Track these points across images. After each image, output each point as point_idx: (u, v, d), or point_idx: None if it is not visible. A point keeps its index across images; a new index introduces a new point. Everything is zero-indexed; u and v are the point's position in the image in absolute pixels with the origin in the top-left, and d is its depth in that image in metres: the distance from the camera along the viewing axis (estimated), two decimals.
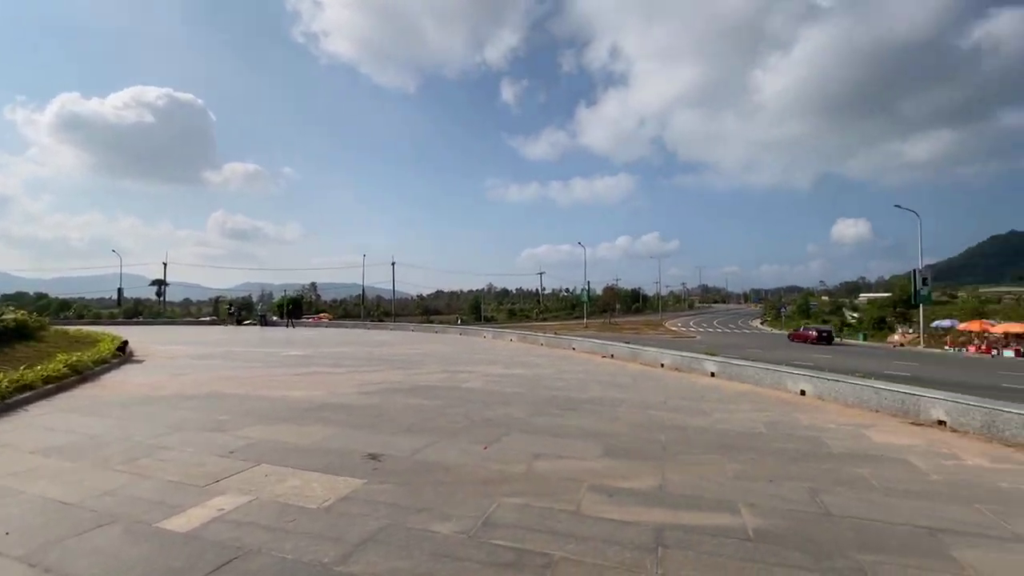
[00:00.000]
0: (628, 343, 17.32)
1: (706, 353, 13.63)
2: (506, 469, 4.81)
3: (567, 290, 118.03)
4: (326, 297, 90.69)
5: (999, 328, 30.15)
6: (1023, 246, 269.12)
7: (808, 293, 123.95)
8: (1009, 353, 26.60)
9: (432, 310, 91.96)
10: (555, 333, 22.83)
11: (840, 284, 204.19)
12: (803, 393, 9.64)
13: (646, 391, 9.61)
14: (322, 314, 57.23)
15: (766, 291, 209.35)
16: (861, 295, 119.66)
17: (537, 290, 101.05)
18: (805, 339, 36.18)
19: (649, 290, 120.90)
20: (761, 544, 3.46)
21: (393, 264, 56.03)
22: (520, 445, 5.67)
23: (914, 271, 34.41)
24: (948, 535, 3.69)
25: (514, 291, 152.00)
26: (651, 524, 3.68)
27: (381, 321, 48.21)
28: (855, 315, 53.93)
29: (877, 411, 8.14)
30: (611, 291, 73.69)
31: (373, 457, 4.98)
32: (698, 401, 8.74)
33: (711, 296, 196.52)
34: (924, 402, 7.57)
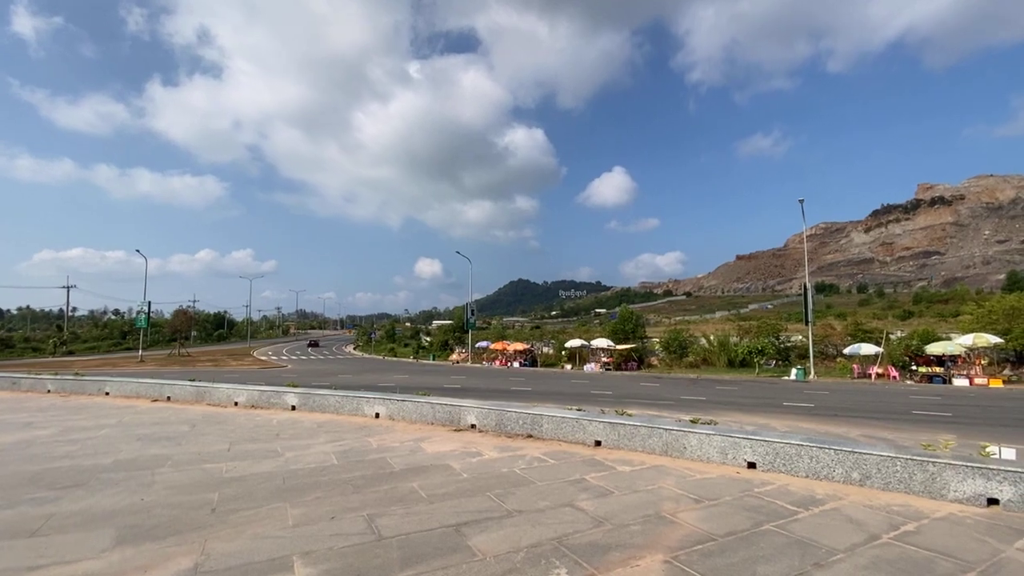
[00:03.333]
0: (194, 380, 14.83)
1: (289, 385, 12.95)
2: None
3: (117, 312, 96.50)
4: None
5: (511, 347, 40.25)
6: (527, 289, 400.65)
7: (395, 320, 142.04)
8: (516, 364, 36.89)
9: None
10: (77, 373, 16.84)
11: (420, 312, 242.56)
12: (377, 416, 10.15)
13: (208, 439, 8.42)
14: None
15: (360, 317, 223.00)
16: (434, 322, 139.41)
17: (62, 310, 76.29)
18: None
19: (238, 314, 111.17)
20: None
21: None
22: None
23: (467, 304, 42.95)
24: (468, 527, 4.32)
25: (14, 311, 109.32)
26: None
27: None
28: (428, 339, 63.25)
29: (432, 424, 9.32)
30: (184, 314, 62.49)
31: None
32: (271, 441, 8.21)
33: (309, 322, 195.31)
34: (463, 411, 9.11)
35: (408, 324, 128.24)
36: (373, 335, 70.16)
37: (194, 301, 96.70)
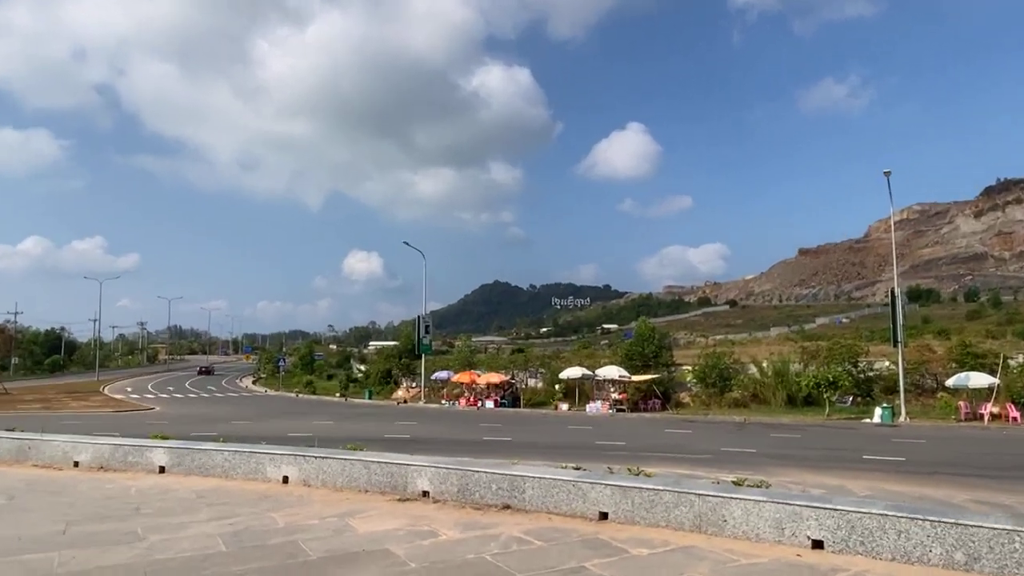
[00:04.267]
0: (13, 430, 14.33)
1: (157, 437, 12.70)
2: None
3: None
4: None
5: (483, 379, 40.00)
6: (506, 296, 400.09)
7: (314, 340, 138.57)
8: (490, 404, 36.42)
9: None
10: None
11: (351, 329, 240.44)
12: (286, 480, 10.13)
13: (32, 518, 8.07)
14: None
15: (264, 337, 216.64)
16: (372, 343, 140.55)
17: None
18: None
19: (82, 333, 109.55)
20: None
21: None
22: None
23: (419, 318, 43.61)
24: None
25: None
26: None
27: None
28: (362, 368, 63.48)
29: (367, 491, 9.30)
30: (1, 334, 61.20)
31: None
32: (128, 519, 7.97)
33: (188, 343, 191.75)
34: (411, 472, 9.05)
35: (334, 347, 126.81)
36: (282, 362, 70.65)
37: (15, 314, 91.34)
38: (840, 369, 29.66)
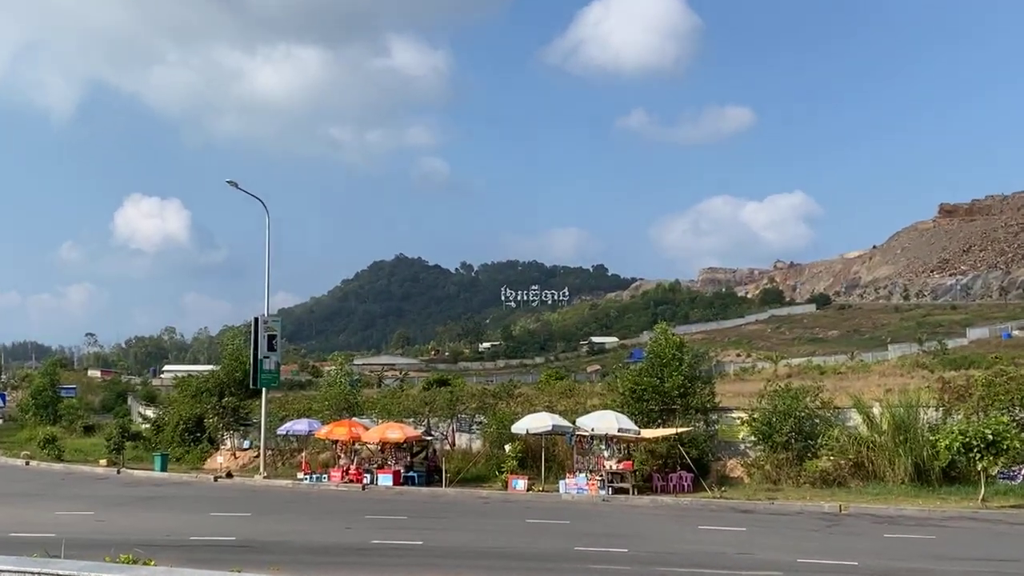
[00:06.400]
0: None
1: None
2: None
3: None
4: None
5: (374, 434, 41.19)
6: (417, 284, 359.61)
7: (59, 361, 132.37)
8: (386, 479, 37.65)
9: None
10: None
11: (129, 342, 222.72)
12: None
13: None
14: None
15: None
16: (168, 367, 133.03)
17: None
18: None
19: None
20: None
21: None
22: None
23: (255, 320, 40.47)
24: None
25: None
26: None
27: None
28: (151, 413, 59.72)
29: None
30: None
31: None
32: None
33: None
34: None
35: (98, 373, 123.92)
36: (2, 401, 68.52)
37: None
38: (1007, 420, 28.28)
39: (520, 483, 34.04)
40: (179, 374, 73.44)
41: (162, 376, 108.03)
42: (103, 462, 47.29)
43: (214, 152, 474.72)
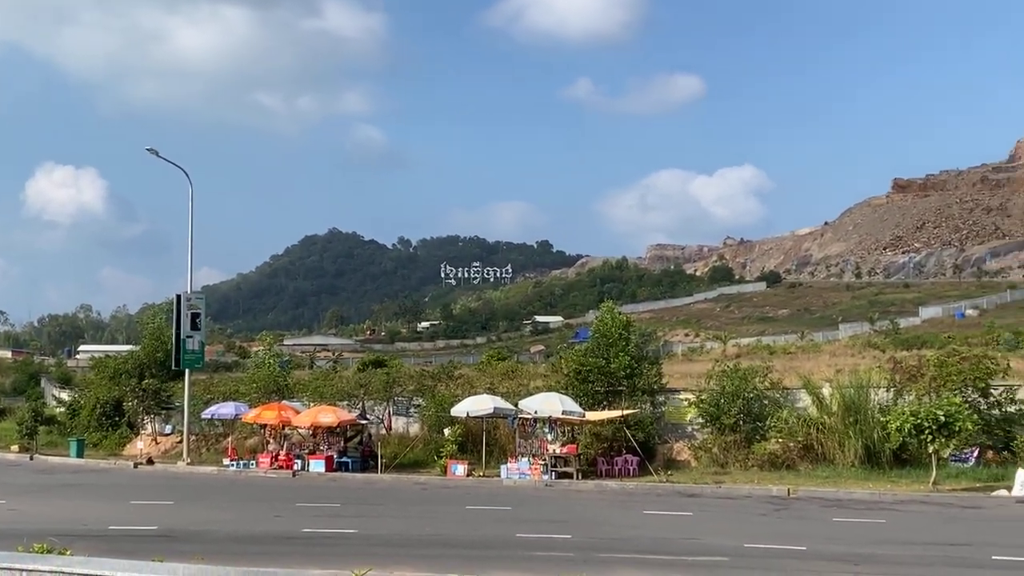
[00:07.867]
0: None
1: None
2: None
3: None
4: None
5: (305, 418, 40.09)
6: (352, 260, 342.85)
7: None
8: (318, 464, 38.14)
9: None
10: None
11: (41, 320, 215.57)
12: None
13: None
14: None
15: None
16: (84, 347, 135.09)
17: None
18: None
19: None
20: None
21: None
22: None
23: (178, 297, 39.31)
24: None
25: None
26: None
27: None
28: (66, 396, 61.41)
29: None
30: None
31: None
32: None
33: None
34: None
35: (8, 354, 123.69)
36: None
37: None
38: (959, 401, 28.31)
39: (460, 468, 33.88)
40: (96, 355, 74.32)
41: (78, 357, 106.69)
42: (15, 448, 46.86)
43: (133, 119, 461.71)
